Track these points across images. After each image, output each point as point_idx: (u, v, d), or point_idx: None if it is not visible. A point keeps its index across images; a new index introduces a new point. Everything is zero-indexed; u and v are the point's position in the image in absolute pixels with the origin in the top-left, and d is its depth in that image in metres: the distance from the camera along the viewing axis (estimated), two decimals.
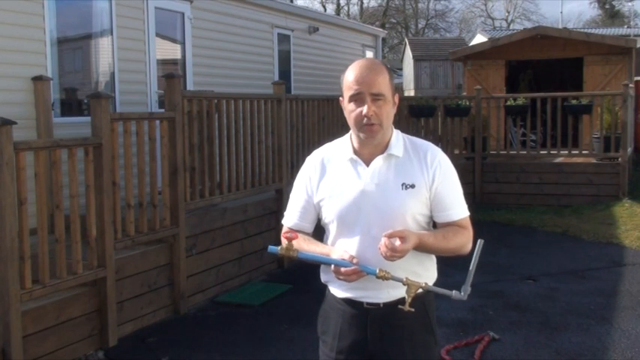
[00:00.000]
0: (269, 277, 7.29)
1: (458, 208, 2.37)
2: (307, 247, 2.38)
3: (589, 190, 10.76)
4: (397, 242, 2.17)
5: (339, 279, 2.28)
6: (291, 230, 2.41)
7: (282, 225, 2.54)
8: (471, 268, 2.28)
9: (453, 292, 2.28)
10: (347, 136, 2.42)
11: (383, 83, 2.28)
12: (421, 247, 2.27)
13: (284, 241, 2.30)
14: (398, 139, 2.38)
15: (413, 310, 2.23)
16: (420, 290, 2.26)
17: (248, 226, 7.17)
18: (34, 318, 4.56)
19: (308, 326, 5.46)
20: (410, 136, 2.44)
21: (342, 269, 2.24)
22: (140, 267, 5.64)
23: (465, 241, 2.37)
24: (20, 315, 4.36)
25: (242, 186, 7.10)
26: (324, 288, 2.52)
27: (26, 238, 4.39)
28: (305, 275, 6.67)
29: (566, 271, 7.21)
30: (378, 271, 2.22)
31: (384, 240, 2.18)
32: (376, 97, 2.26)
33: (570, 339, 5.19)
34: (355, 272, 2.23)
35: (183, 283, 6.04)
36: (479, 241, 2.32)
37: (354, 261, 2.24)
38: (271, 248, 2.31)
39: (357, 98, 2.28)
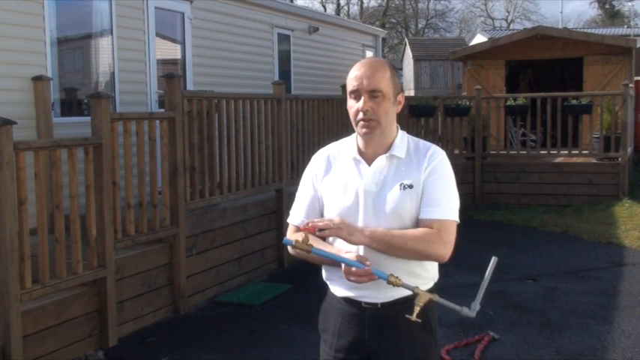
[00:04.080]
0: (269, 277, 7.29)
1: (440, 208, 2.28)
2: (315, 244, 2.36)
3: (589, 190, 10.77)
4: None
5: (350, 279, 2.24)
6: (297, 228, 2.41)
7: (287, 224, 2.53)
8: (482, 284, 2.23)
9: (463, 308, 2.25)
10: (354, 135, 2.43)
11: (381, 80, 2.29)
12: (374, 238, 2.23)
13: (296, 235, 2.29)
14: (402, 141, 2.39)
15: (420, 320, 2.20)
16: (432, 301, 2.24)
17: (248, 226, 7.17)
18: (34, 318, 4.56)
19: (308, 326, 5.47)
20: (415, 138, 2.44)
21: (354, 269, 2.21)
22: (140, 267, 5.64)
23: (427, 238, 2.24)
24: (20, 315, 4.36)
25: (242, 186, 7.10)
26: (324, 287, 2.52)
27: (26, 238, 4.39)
28: (305, 275, 6.68)
29: (566, 271, 7.22)
30: (389, 276, 2.20)
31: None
32: (373, 94, 2.28)
33: (570, 339, 5.19)
34: (367, 274, 2.20)
35: (183, 283, 6.04)
36: (493, 258, 2.26)
37: (367, 263, 2.21)
38: (286, 240, 2.30)
39: (356, 95, 2.31)
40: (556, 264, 7.50)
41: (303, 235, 2.26)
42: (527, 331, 5.36)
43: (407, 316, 2.22)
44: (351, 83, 2.32)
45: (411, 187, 2.30)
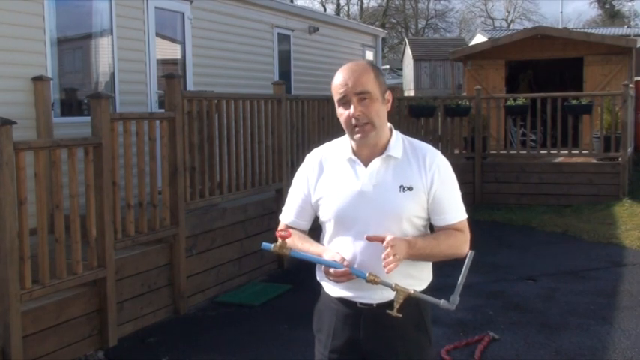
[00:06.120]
0: (269, 277, 7.29)
1: (455, 212, 2.37)
2: (301, 245, 2.39)
3: (589, 190, 10.77)
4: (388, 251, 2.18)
5: (329, 279, 2.30)
6: (286, 228, 2.43)
7: (279, 221, 2.55)
8: (460, 278, 2.28)
9: (442, 301, 2.28)
10: (347, 136, 2.42)
11: (367, 81, 2.28)
12: (414, 252, 2.26)
13: (281, 232, 2.31)
14: (397, 141, 2.38)
15: (400, 315, 2.24)
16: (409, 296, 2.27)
17: (248, 226, 7.17)
18: (34, 318, 4.56)
19: (308, 326, 5.45)
20: (410, 138, 2.44)
21: (332, 270, 2.25)
22: (140, 267, 5.64)
23: (458, 243, 2.37)
24: (20, 315, 4.36)
25: (242, 186, 7.10)
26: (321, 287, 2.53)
27: (26, 238, 4.39)
28: (305, 275, 6.65)
29: (566, 271, 7.21)
30: (367, 274, 2.23)
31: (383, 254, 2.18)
32: (361, 97, 2.27)
33: (570, 339, 5.19)
34: (345, 274, 2.24)
35: (183, 283, 6.04)
36: (469, 252, 2.32)
37: (345, 263, 2.25)
38: (265, 245, 2.32)
39: (344, 101, 2.30)
40: (556, 264, 7.50)
41: (280, 240, 2.28)
42: (527, 331, 5.36)
43: (388, 311, 2.24)
44: (337, 91, 2.30)
45: (410, 189, 2.30)
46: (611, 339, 5.18)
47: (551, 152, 11.29)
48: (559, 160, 11.34)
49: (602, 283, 6.69)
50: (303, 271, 6.76)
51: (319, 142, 2.52)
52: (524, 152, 11.49)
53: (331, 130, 8.93)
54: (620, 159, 10.74)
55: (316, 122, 8.72)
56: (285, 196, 2.55)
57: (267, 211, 7.50)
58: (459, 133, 11.46)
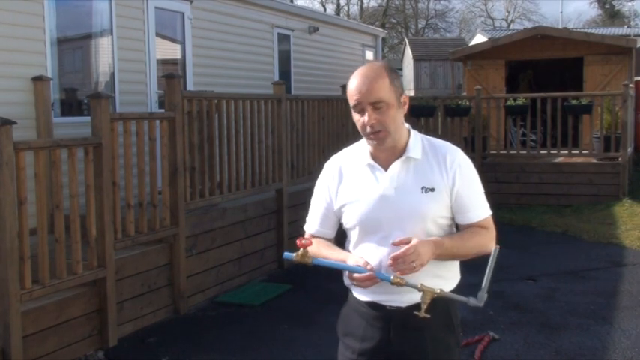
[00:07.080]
0: (269, 277, 7.29)
1: (478, 210, 2.36)
2: (325, 252, 2.37)
3: (589, 190, 10.77)
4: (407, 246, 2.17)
5: (354, 284, 2.29)
6: (303, 237, 2.40)
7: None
8: (486, 274, 2.26)
9: (470, 298, 2.26)
10: (364, 140, 2.39)
11: (382, 89, 2.24)
12: (441, 252, 2.25)
13: (305, 241, 2.29)
14: (416, 141, 2.36)
15: (428, 316, 2.22)
16: (436, 295, 2.25)
17: (248, 226, 7.17)
18: (34, 318, 4.56)
19: (308, 326, 5.48)
20: (429, 137, 2.41)
21: (356, 275, 2.23)
22: (140, 267, 5.64)
23: (484, 241, 2.35)
24: (20, 315, 4.36)
25: (242, 186, 7.09)
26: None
27: (26, 238, 4.39)
28: (305, 275, 6.68)
29: (566, 271, 7.22)
30: (392, 277, 2.21)
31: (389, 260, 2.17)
32: (376, 105, 2.24)
33: (570, 339, 5.19)
34: (369, 278, 2.22)
35: (183, 283, 6.04)
36: (495, 247, 2.29)
37: (368, 267, 2.23)
38: (287, 254, 2.30)
39: (359, 109, 2.27)
40: (556, 264, 7.50)
41: (302, 250, 2.26)
42: (527, 331, 5.36)
43: (415, 312, 2.22)
44: (352, 97, 2.27)
45: (432, 190, 2.29)
46: (611, 339, 5.18)
47: (551, 152, 11.29)
48: (559, 160, 11.34)
49: (602, 283, 6.69)
50: (303, 271, 6.76)
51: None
52: (524, 152, 11.49)
53: (331, 130, 8.93)
54: (620, 159, 10.74)
55: (316, 122, 8.71)
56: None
57: (267, 211, 7.49)
58: (459, 133, 11.47)
